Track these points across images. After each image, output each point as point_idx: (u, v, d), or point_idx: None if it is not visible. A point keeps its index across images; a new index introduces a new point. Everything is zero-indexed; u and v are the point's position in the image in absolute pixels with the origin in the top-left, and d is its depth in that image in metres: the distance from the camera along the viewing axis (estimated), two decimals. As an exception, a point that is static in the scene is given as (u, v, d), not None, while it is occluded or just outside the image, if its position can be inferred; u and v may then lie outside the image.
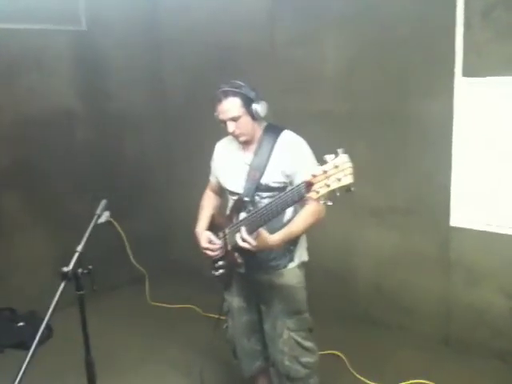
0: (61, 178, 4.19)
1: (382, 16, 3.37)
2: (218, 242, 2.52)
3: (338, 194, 1.81)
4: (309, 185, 1.87)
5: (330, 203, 1.85)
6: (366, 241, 3.77)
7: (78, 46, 4.22)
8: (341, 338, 3.50)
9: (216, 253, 2.54)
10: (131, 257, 4.44)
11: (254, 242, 2.18)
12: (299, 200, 2.01)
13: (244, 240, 2.20)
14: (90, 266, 1.82)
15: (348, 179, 1.76)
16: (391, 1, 3.32)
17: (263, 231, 2.19)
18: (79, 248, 1.86)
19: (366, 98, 3.55)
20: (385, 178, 3.56)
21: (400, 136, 3.44)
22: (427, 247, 3.46)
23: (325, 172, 1.81)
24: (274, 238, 2.25)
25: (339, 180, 1.77)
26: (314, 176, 1.84)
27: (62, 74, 4.17)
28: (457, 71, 3.09)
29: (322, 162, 1.84)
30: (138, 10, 4.51)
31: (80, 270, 1.81)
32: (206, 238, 2.56)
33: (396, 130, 3.44)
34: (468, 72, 3.08)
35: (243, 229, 2.20)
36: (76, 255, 1.82)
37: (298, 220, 2.33)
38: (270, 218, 2.16)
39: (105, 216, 4.31)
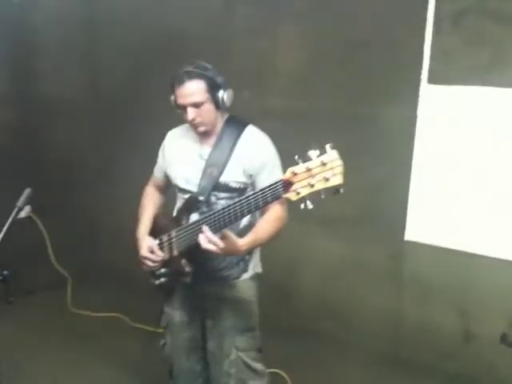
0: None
1: (346, 12, 3.19)
2: (161, 255, 2.19)
3: (323, 196, 1.55)
4: (287, 184, 1.60)
5: (310, 207, 1.59)
6: (312, 251, 3.55)
7: (6, 18, 3.76)
8: (283, 355, 3.23)
9: (155, 265, 2.21)
10: (52, 258, 3.98)
11: (221, 244, 1.85)
12: (272, 201, 1.73)
13: (210, 241, 1.86)
14: (6, 272, 1.44)
15: (337, 179, 1.53)
16: (357, -2, 3.15)
17: (230, 233, 1.88)
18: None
19: (323, 96, 3.34)
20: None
21: (357, 140, 3.22)
22: (379, 261, 3.29)
23: (308, 170, 1.56)
24: (243, 241, 1.93)
25: (327, 180, 1.53)
26: (295, 174, 1.59)
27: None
28: (423, 77, 2.95)
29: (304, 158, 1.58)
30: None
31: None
32: (148, 246, 2.22)
33: (353, 133, 3.22)
34: (434, 79, 2.94)
35: (207, 228, 1.88)
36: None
37: (264, 225, 2.05)
38: (233, 221, 1.88)
39: (25, 210, 3.91)
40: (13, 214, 1.67)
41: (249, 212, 1.82)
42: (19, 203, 1.75)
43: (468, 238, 2.95)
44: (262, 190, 1.73)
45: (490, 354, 2.96)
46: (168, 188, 2.38)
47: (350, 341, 3.38)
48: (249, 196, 1.79)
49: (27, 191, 1.79)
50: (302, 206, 1.60)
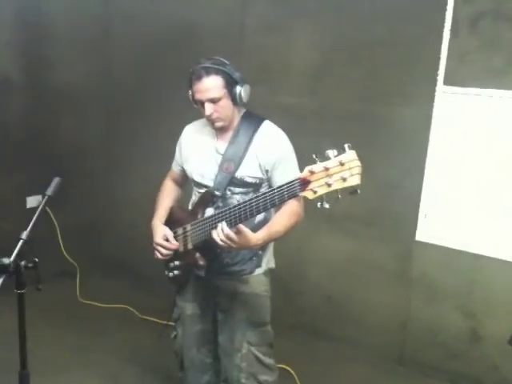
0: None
1: (361, 11, 3.18)
2: (176, 243, 2.22)
3: (340, 196, 1.57)
4: (304, 182, 1.62)
5: (327, 206, 1.61)
6: (320, 249, 3.56)
7: (19, 7, 3.75)
8: (290, 351, 3.25)
9: (168, 253, 2.24)
10: (62, 247, 4.01)
11: (237, 239, 1.88)
12: (289, 199, 1.75)
13: (224, 236, 1.88)
14: (36, 259, 1.47)
15: (355, 180, 1.54)
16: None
17: (244, 227, 1.89)
18: (24, 235, 1.51)
19: (336, 95, 3.34)
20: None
21: (370, 140, 3.22)
22: (388, 260, 3.30)
23: (326, 169, 1.57)
24: (258, 235, 1.96)
25: (344, 180, 1.54)
26: (312, 172, 1.60)
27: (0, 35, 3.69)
28: (439, 78, 2.95)
29: (321, 157, 1.59)
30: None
31: (23, 263, 1.46)
32: (162, 233, 2.25)
33: (366, 132, 3.23)
34: (450, 80, 2.94)
35: (224, 223, 1.90)
36: (20, 244, 1.47)
37: (280, 220, 2.07)
38: (248, 217, 1.89)
39: (36, 200, 3.93)
40: (42, 203, 1.67)
41: (264, 209, 1.83)
42: (49, 192, 1.74)
43: (477, 239, 2.96)
44: (278, 187, 1.75)
45: (495, 355, 2.97)
46: (185, 182, 2.40)
47: (357, 339, 3.40)
48: (265, 193, 1.80)
49: (56, 180, 1.78)
50: (319, 205, 1.61)
